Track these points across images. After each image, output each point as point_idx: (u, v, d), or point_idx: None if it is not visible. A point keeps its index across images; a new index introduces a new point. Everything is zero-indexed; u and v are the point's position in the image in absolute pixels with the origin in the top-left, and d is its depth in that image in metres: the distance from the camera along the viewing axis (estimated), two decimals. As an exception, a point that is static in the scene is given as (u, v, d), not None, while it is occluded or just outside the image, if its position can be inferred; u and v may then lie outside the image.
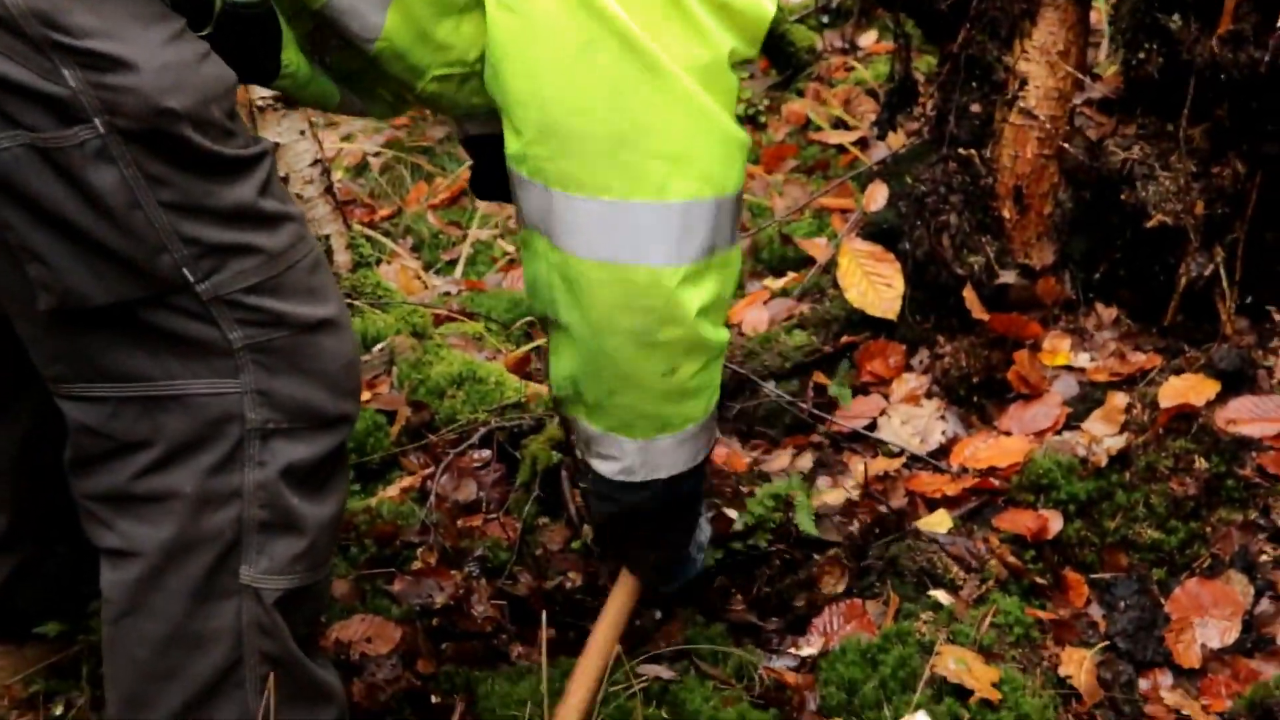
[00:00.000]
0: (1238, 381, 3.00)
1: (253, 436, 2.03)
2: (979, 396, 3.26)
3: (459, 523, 3.04)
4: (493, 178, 2.47)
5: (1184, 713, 2.58)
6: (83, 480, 2.09)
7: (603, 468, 2.37)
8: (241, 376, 2.01)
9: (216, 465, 2.03)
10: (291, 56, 2.13)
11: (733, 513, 2.82)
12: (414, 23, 2.10)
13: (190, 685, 2.07)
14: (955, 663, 2.53)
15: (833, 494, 3.02)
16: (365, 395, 3.56)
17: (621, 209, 2.06)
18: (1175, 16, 3.04)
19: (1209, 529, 2.85)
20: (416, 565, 2.92)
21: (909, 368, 3.34)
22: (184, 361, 1.99)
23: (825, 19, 5.73)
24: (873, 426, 3.24)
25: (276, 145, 4.33)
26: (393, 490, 3.20)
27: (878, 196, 3.59)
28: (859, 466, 3.11)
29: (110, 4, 1.85)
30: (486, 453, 3.27)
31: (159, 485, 2.03)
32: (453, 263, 5.01)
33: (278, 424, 2.04)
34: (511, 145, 2.12)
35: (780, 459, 3.15)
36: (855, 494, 3.00)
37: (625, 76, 2.01)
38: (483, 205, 5.28)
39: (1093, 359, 3.23)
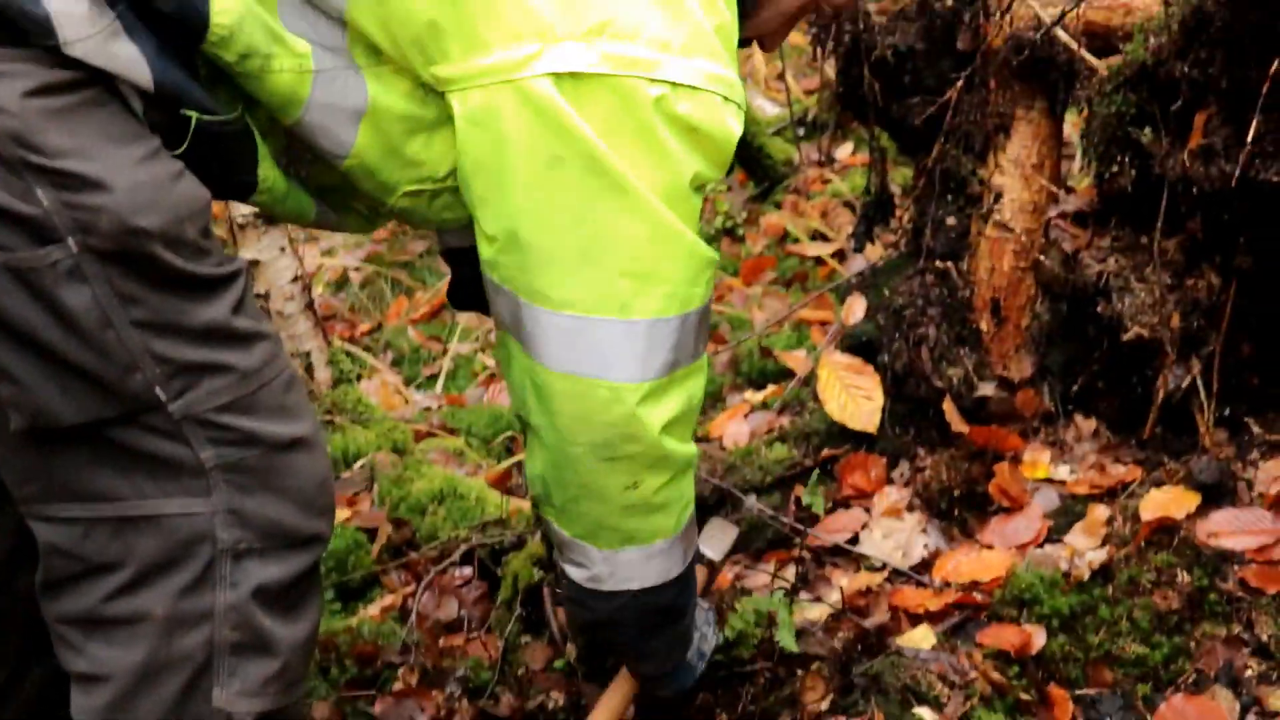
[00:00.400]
0: (1218, 494, 3.00)
1: (224, 557, 2.02)
2: (960, 509, 3.24)
3: (440, 642, 3.04)
4: (471, 289, 2.49)
5: (1172, 832, 2.55)
6: (54, 603, 2.07)
7: (573, 573, 2.37)
8: (213, 496, 2.00)
9: (188, 586, 2.01)
10: (268, 172, 2.15)
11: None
12: (384, 139, 2.11)
13: None
14: (941, 782, 2.50)
15: (815, 609, 3.00)
16: (346, 513, 3.56)
17: (585, 324, 2.08)
18: (1146, 130, 3.06)
19: (1193, 643, 2.82)
20: (398, 686, 2.91)
21: (890, 480, 3.34)
22: (155, 481, 1.99)
23: (802, 131, 5.78)
24: (855, 540, 3.23)
25: (257, 262, 4.34)
26: (374, 609, 3.19)
27: (856, 309, 3.60)
28: (842, 581, 3.09)
29: (85, 124, 1.88)
30: (468, 570, 3.27)
31: (130, 608, 2.02)
32: (433, 378, 5.01)
33: (250, 544, 2.03)
34: (484, 251, 2.13)
35: (762, 574, 3.13)
36: (838, 609, 2.98)
37: (591, 194, 2.03)
38: (463, 318, 5.29)
39: (1073, 471, 3.23)
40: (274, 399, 2.04)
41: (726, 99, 2.08)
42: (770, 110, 6.08)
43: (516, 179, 2.03)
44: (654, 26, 2.01)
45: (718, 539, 2.79)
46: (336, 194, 2.28)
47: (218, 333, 1.97)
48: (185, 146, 1.98)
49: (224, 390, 1.98)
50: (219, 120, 2.01)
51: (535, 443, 2.25)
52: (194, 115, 1.97)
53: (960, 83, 3.34)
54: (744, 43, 2.32)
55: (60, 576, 2.04)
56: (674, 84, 2.02)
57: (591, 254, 2.06)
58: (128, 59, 1.91)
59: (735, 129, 2.12)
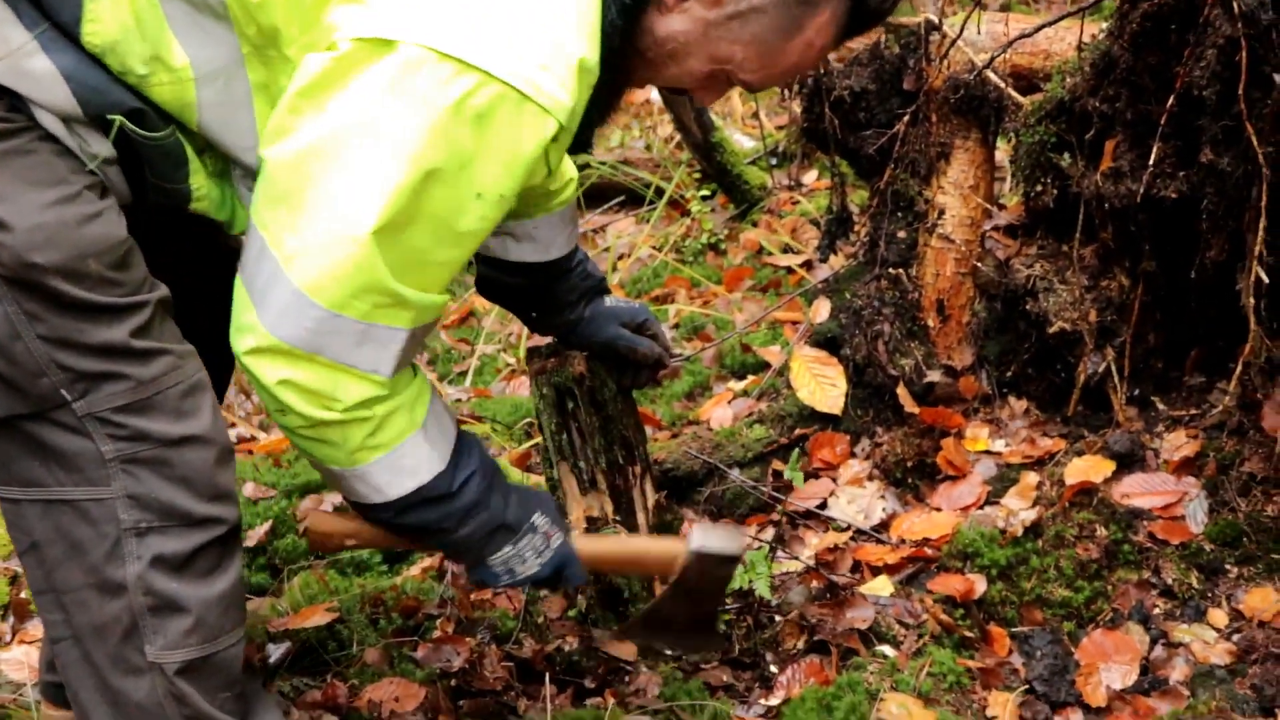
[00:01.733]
0: (1130, 461, 3.01)
1: (129, 535, 2.02)
2: (913, 478, 3.25)
3: (472, 596, 3.03)
4: (494, 283, 2.55)
5: (1094, 745, 2.57)
6: (26, 572, 2.10)
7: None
8: (113, 484, 2.00)
9: (103, 560, 2.02)
10: (201, 182, 2.05)
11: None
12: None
13: None
14: (898, 708, 2.52)
15: (791, 564, 3.00)
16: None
17: (263, 249, 1.89)
18: (1065, 156, 3.08)
19: (1110, 587, 2.84)
20: (436, 634, 2.90)
21: (853, 455, 3.34)
22: (67, 470, 2.00)
23: (774, 161, 5.77)
24: (824, 506, 3.23)
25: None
26: (415, 570, 3.19)
27: (822, 310, 3.60)
28: (813, 540, 3.11)
29: (7, 169, 1.87)
30: (495, 535, 3.25)
31: (64, 579, 2.04)
32: (463, 374, 5.01)
33: (150, 523, 2.02)
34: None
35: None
36: (810, 563, 3.00)
37: (312, 142, 1.85)
38: (486, 324, 5.30)
39: (1008, 444, 3.23)
40: (169, 403, 2.00)
41: (525, 97, 1.79)
42: (747, 144, 6.06)
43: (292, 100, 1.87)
44: (474, 16, 1.80)
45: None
46: None
47: (115, 349, 1.96)
48: (115, 153, 1.93)
49: (121, 394, 1.97)
50: (149, 137, 1.94)
51: None
52: (118, 119, 1.91)
53: (907, 117, 3.35)
54: (679, 91, 2.08)
55: (19, 550, 2.07)
56: (471, 66, 1.77)
57: (290, 195, 1.86)
58: (42, 74, 1.86)
59: (530, 136, 1.83)
